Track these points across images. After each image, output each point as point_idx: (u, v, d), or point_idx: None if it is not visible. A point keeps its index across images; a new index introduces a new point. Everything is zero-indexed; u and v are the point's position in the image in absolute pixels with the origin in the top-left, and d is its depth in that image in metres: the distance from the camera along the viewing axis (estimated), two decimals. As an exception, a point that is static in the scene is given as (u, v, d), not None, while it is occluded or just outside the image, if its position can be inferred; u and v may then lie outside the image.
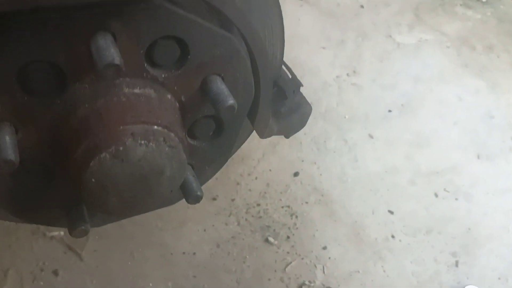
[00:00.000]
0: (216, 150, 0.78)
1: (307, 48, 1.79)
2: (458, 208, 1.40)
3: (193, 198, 0.73)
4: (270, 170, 1.50)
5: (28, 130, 0.65)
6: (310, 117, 1.63)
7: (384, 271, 1.29)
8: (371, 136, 1.57)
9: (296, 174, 1.48)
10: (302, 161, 1.52)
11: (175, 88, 0.68)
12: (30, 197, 0.71)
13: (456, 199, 1.42)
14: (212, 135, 0.77)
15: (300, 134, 1.57)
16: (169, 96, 0.67)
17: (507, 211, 1.39)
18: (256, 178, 1.48)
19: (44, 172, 0.70)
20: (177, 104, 0.69)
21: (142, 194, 0.67)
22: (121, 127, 0.62)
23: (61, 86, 0.64)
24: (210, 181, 1.47)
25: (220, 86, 0.67)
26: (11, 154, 0.59)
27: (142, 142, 0.62)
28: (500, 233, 1.35)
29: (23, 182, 0.69)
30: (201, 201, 1.43)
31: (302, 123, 0.84)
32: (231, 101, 0.65)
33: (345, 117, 1.63)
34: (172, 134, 0.64)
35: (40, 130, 0.66)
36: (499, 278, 1.27)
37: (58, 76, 0.63)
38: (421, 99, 1.66)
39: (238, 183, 1.47)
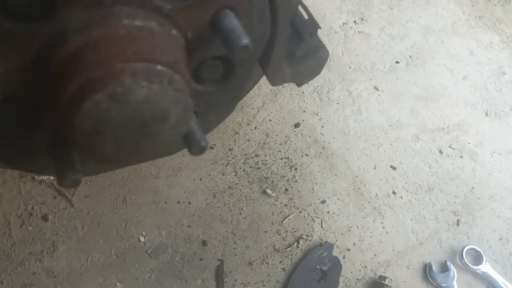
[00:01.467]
0: (223, 96, 0.69)
1: (313, -9, 1.66)
2: (462, 166, 1.35)
3: (196, 148, 0.64)
4: (270, 120, 1.42)
5: (11, 62, 0.55)
6: (314, 66, 1.54)
7: (383, 227, 1.25)
8: (376, 88, 1.49)
9: (297, 125, 1.41)
10: (304, 111, 1.44)
11: (181, 22, 0.58)
12: (13, 140, 0.62)
13: (461, 157, 1.36)
14: (219, 79, 0.68)
15: (303, 83, 1.48)
16: (174, 31, 0.58)
17: (512, 171, 1.34)
18: (255, 127, 1.40)
19: (30, 112, 0.61)
20: (183, 42, 0.59)
21: (142, 142, 0.58)
22: (120, 65, 0.52)
23: (50, 10, 0.53)
24: (207, 128, 1.39)
25: (233, 22, 0.57)
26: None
27: (144, 83, 0.53)
28: (504, 193, 1.30)
29: (5, 123, 0.60)
30: (197, 149, 1.37)
31: (318, 69, 0.75)
32: (245, 40, 0.56)
33: (350, 67, 1.53)
34: (178, 76, 0.55)
35: (25, 62, 0.56)
36: (500, 239, 1.23)
37: (45, -2, 0.53)
38: (431, 51, 1.57)
39: (236, 133, 1.39)
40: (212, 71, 0.66)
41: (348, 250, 1.21)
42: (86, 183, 1.29)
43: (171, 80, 0.55)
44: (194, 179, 1.31)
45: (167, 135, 0.58)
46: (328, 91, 1.48)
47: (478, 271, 1.17)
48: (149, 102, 0.54)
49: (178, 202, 1.27)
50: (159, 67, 0.54)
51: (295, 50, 0.71)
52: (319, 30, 0.78)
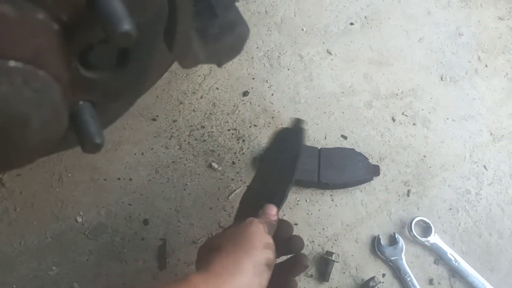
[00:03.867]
0: (123, 83, 0.59)
1: None
2: (415, 134, 1.28)
3: (89, 146, 0.55)
4: (217, 88, 1.32)
5: None
6: (264, 29, 1.43)
7: (332, 199, 1.18)
8: (329, 52, 1.39)
9: (245, 93, 1.31)
10: (253, 78, 1.34)
11: (50, 2, 0.47)
12: None
13: (414, 124, 1.29)
14: (115, 64, 0.57)
15: (252, 47, 1.38)
16: (40, 15, 0.46)
17: (465, 139, 1.28)
18: (201, 97, 1.30)
19: None
20: (56, 26, 0.48)
21: (3, 150, 0.49)
22: (-44, 63, 0.42)
23: None
24: (149, 99, 1.29)
25: (112, 3, 0.46)
26: None
27: (-12, 85, 0.43)
28: (456, 162, 1.25)
29: None
30: (140, 122, 1.27)
31: (237, 49, 0.65)
32: (126, 26, 0.45)
33: (302, 29, 1.42)
34: (41, 72, 0.44)
35: None
36: (450, 209, 1.19)
37: None
38: (387, 11, 1.46)
39: (181, 102, 1.29)
40: (104, 57, 0.55)
41: (296, 224, 1.15)
42: (19, 160, 1.19)
43: (28, 78, 0.44)
44: (135, 154, 1.22)
45: (36, 141, 0.49)
46: (279, 56, 1.38)
47: (426, 242, 1.13)
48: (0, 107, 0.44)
49: (118, 178, 1.18)
50: (11, 63, 0.43)
51: (208, 27, 0.60)
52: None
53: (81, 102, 0.56)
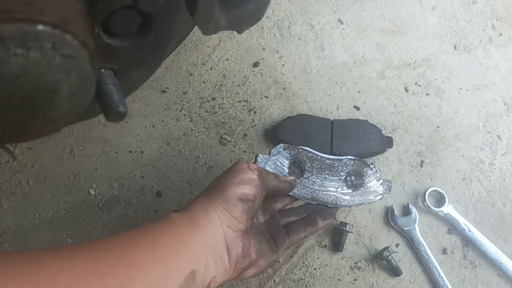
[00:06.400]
0: (144, 51, 0.58)
1: None
2: (428, 104, 1.27)
3: (113, 115, 0.54)
4: (227, 59, 1.30)
5: None
6: (274, -3, 1.40)
7: (345, 171, 1.18)
8: (340, 22, 1.37)
9: (256, 64, 1.30)
10: (263, 49, 1.32)
11: (74, -34, 0.46)
12: None
13: (427, 94, 1.28)
14: (137, 31, 0.56)
15: (261, 17, 1.36)
16: (64, -22, 0.46)
17: (479, 108, 1.27)
18: (211, 68, 1.29)
19: None
20: (80, -10, 0.48)
21: (31, 119, 0.48)
22: (-16, 28, 0.41)
23: None
24: (159, 71, 1.28)
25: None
26: None
27: (18, 50, 0.41)
28: (470, 132, 1.24)
29: None
30: (150, 94, 1.26)
31: (258, 15, 0.64)
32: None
33: (313, -2, 1.40)
34: (69, 37, 0.44)
35: None
36: (463, 179, 1.19)
37: None
38: (400, -21, 1.44)
39: (191, 74, 1.28)
40: (127, 23, 0.54)
41: (309, 195, 1.15)
42: (30, 134, 1.18)
43: (57, 44, 0.43)
44: (146, 126, 1.21)
45: (63, 109, 0.48)
46: (289, 26, 1.36)
47: (440, 213, 1.14)
48: (29, 74, 0.43)
49: (130, 151, 1.18)
50: (39, 27, 0.42)
51: (230, -7, 0.59)
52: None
53: (102, 70, 0.55)
